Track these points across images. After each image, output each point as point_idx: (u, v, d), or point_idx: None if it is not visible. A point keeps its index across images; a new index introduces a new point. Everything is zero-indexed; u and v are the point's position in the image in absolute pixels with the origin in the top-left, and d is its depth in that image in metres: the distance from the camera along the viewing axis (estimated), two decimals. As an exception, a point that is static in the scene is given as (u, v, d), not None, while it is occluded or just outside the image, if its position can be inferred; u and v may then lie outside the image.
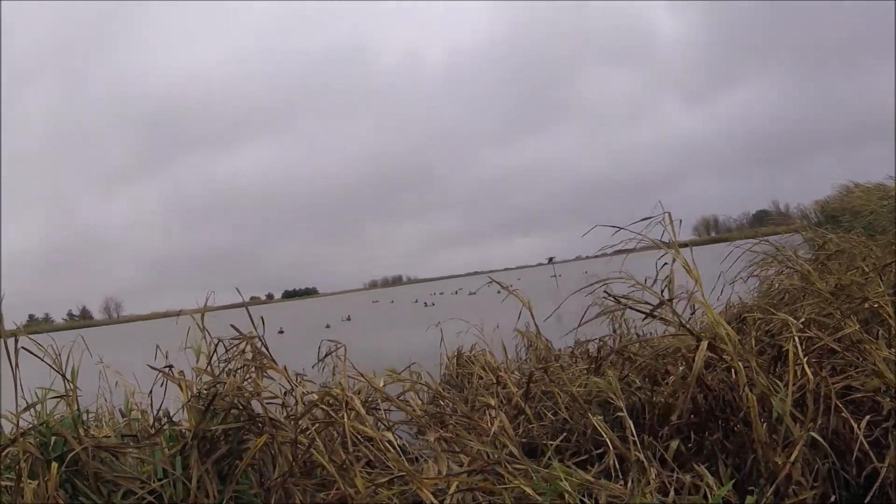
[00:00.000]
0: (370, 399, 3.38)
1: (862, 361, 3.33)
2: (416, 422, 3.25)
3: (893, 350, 3.34)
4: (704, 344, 3.16)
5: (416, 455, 3.26)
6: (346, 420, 2.92)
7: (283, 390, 3.34)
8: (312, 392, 3.33)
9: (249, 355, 3.30)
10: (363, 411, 2.99)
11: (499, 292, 5.62)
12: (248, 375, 3.23)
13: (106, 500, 2.81)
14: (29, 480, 2.71)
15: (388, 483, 2.61)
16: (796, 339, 3.11)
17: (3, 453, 2.92)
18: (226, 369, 3.32)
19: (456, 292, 42.27)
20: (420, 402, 3.95)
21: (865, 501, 2.79)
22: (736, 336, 3.24)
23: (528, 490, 2.52)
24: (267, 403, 3.14)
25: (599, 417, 3.41)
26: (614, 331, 6.12)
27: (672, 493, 2.75)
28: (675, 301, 3.48)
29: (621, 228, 3.51)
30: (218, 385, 3.09)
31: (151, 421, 3.43)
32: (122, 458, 3.03)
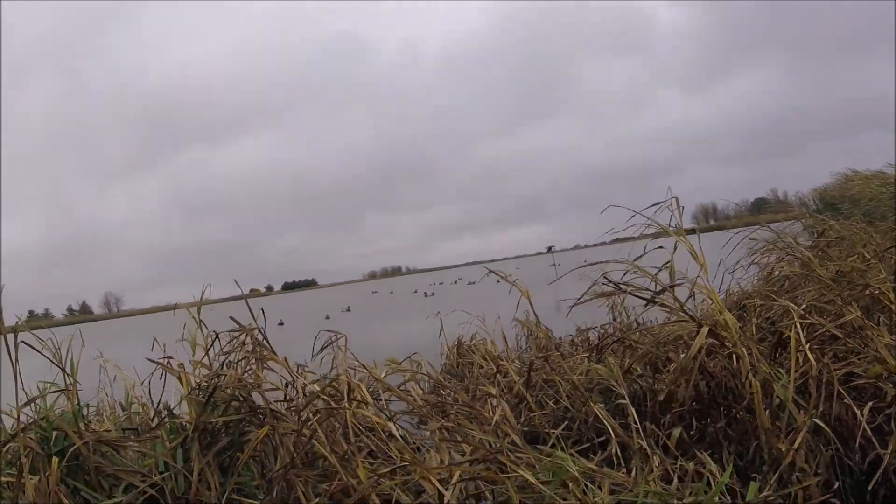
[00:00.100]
0: (371, 389, 3.37)
1: (864, 348, 3.32)
2: (418, 412, 3.24)
3: (895, 336, 3.33)
4: (705, 330, 3.15)
5: (417, 445, 3.25)
6: (347, 410, 2.91)
7: (284, 382, 3.33)
8: (313, 382, 3.32)
9: (249, 347, 3.29)
10: (369, 398, 2.97)
11: (498, 282, 5.61)
12: (248, 367, 3.22)
13: (107, 494, 2.80)
14: (30, 476, 2.70)
15: (390, 473, 2.59)
16: (798, 325, 3.09)
17: (4, 449, 2.91)
18: (226, 361, 3.31)
19: (455, 282, 42.29)
20: (421, 392, 3.94)
21: (869, 488, 2.79)
22: (737, 322, 3.23)
23: (531, 479, 2.51)
24: (268, 395, 3.12)
25: (601, 406, 3.40)
26: (614, 319, 6.13)
27: (675, 480, 2.74)
28: (676, 287, 3.46)
29: (636, 213, 3.48)
30: (218, 377, 3.08)
31: (152, 414, 3.42)
32: (122, 452, 3.02)
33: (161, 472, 2.84)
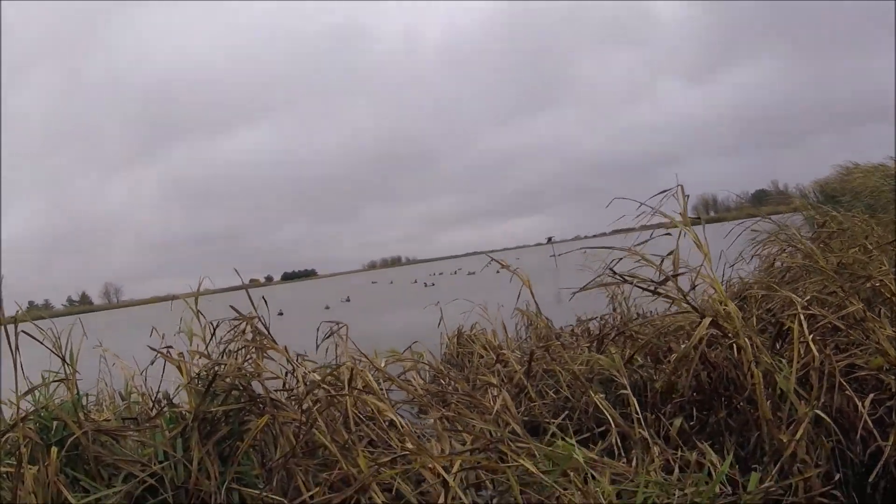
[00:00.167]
0: (366, 382, 3.35)
1: (865, 340, 3.31)
2: (419, 401, 3.24)
3: (897, 328, 3.32)
4: (707, 320, 3.13)
5: (417, 434, 3.25)
6: (348, 397, 2.90)
7: (284, 371, 3.32)
8: (314, 371, 3.31)
9: (249, 336, 3.28)
10: (374, 385, 2.97)
11: (498, 272, 5.59)
12: (248, 356, 3.21)
13: (107, 483, 2.79)
14: (29, 466, 2.69)
15: (390, 462, 2.59)
16: (801, 316, 3.08)
17: (3, 439, 2.90)
18: (226, 350, 3.30)
19: (455, 272, 42.32)
20: (422, 382, 3.94)
21: (869, 479, 2.78)
22: (739, 312, 3.21)
23: (532, 468, 2.50)
24: (269, 384, 3.12)
25: (601, 396, 3.40)
26: (614, 309, 6.13)
27: (676, 470, 2.74)
28: (678, 277, 3.44)
29: (642, 204, 3.46)
30: (218, 366, 3.06)
31: (151, 403, 3.41)
32: (122, 442, 3.02)
33: (161, 462, 2.83)
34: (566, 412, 3.67)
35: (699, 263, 3.48)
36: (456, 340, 6.73)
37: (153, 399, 3.38)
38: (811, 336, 3.09)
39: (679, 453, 2.90)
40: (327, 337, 3.70)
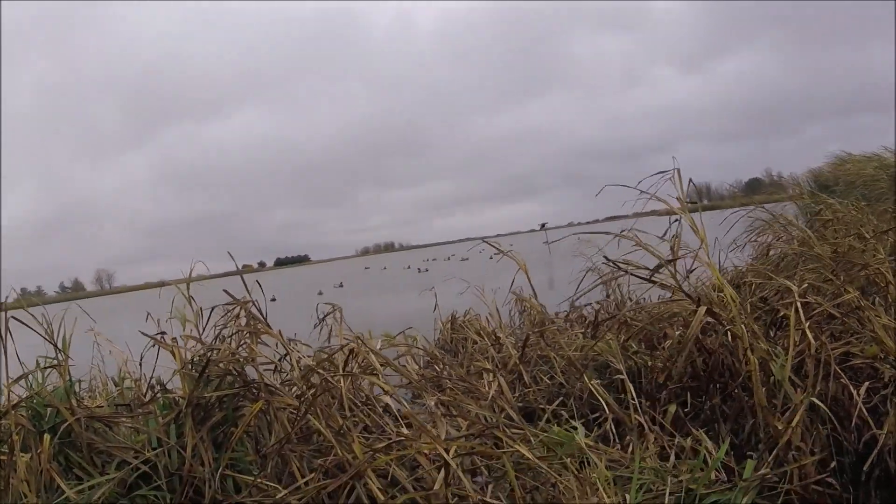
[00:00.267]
0: (365, 362, 3.33)
1: (861, 328, 3.31)
2: (414, 386, 3.22)
3: (893, 316, 3.33)
4: (702, 310, 3.13)
5: (410, 421, 3.23)
6: (343, 384, 2.88)
7: (279, 356, 3.29)
8: (309, 356, 3.29)
9: (243, 321, 3.25)
10: (378, 366, 2.95)
11: (492, 257, 5.58)
12: (242, 341, 3.18)
13: (100, 470, 2.77)
14: (21, 453, 2.66)
15: (385, 448, 2.58)
16: (798, 304, 3.07)
17: (-5, 425, 2.86)
18: (219, 335, 3.27)
19: (449, 258, 42.33)
20: (416, 367, 3.93)
21: (864, 468, 2.79)
22: (737, 297, 3.21)
23: (528, 454, 2.50)
24: (263, 369, 3.09)
25: (597, 382, 3.39)
26: (608, 295, 6.12)
27: (672, 457, 2.74)
28: (675, 263, 3.43)
29: (633, 188, 3.42)
30: (212, 351, 3.04)
31: (145, 389, 3.38)
32: (115, 428, 2.99)
33: (154, 448, 2.81)
34: (560, 398, 3.67)
35: (696, 249, 3.47)
36: (450, 326, 6.73)
37: (147, 385, 3.35)
38: (808, 324, 3.08)
39: (674, 440, 2.90)
40: (322, 320, 3.68)
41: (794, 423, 2.68)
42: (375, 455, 2.52)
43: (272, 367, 3.18)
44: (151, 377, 3.28)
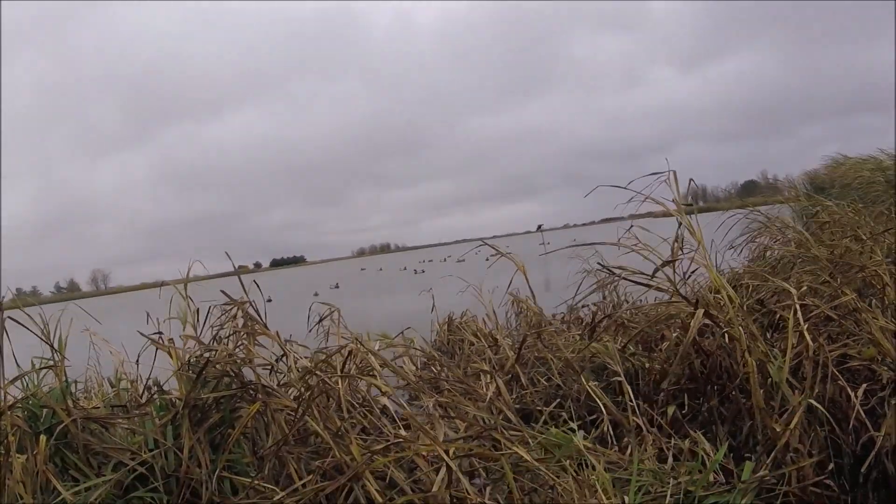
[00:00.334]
0: (363, 364, 3.33)
1: (858, 330, 3.32)
2: (412, 387, 3.21)
3: (890, 318, 3.33)
4: (700, 312, 3.12)
5: (408, 423, 3.23)
6: (341, 385, 2.87)
7: (276, 357, 3.28)
8: (306, 357, 3.27)
9: (240, 322, 3.23)
10: (378, 367, 2.94)
11: (487, 259, 5.57)
12: (239, 342, 3.16)
13: (96, 472, 2.75)
14: (17, 455, 2.65)
15: (383, 450, 2.57)
16: (797, 306, 3.08)
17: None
18: (216, 336, 3.25)
19: (445, 259, 42.26)
20: (414, 368, 3.92)
21: (862, 470, 2.80)
22: (737, 297, 3.20)
23: (527, 456, 2.49)
24: (260, 371, 3.08)
25: (594, 384, 3.39)
26: (604, 297, 6.12)
27: (670, 459, 2.74)
28: (673, 264, 3.43)
29: (625, 188, 3.40)
30: (209, 352, 3.02)
31: (141, 390, 3.37)
32: (111, 430, 2.97)
33: (151, 450, 2.80)
34: (557, 400, 3.67)
35: (693, 251, 3.47)
36: (446, 327, 6.73)
37: (143, 386, 3.34)
38: (806, 325, 3.08)
39: (672, 442, 2.90)
40: (320, 321, 3.67)
41: (792, 425, 2.67)
42: (373, 457, 2.51)
43: (269, 368, 3.17)
44: (148, 378, 3.26)
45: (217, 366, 2.95)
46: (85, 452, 2.79)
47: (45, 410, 2.93)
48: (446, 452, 2.44)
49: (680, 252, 3.45)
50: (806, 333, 3.02)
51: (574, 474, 2.49)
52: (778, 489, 2.60)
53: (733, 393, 3.21)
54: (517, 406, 3.58)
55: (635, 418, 3.03)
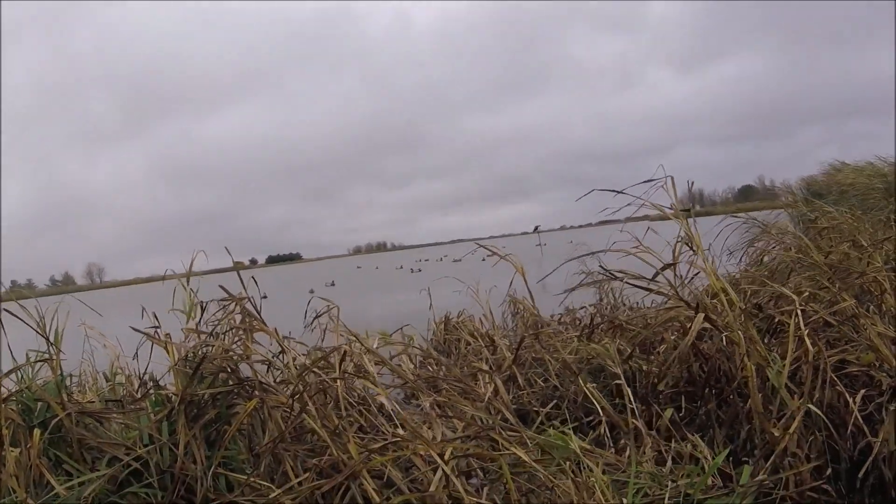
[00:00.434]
0: (361, 363, 3.31)
1: (857, 336, 3.31)
2: (411, 386, 3.19)
3: (889, 325, 3.33)
4: (700, 316, 3.11)
5: (403, 422, 3.21)
6: (339, 381, 2.85)
7: (272, 354, 3.26)
8: (303, 354, 3.25)
9: (238, 318, 3.21)
10: (371, 368, 2.92)
11: (484, 259, 5.56)
12: (237, 338, 3.14)
13: (90, 466, 2.73)
14: (11, 448, 2.62)
15: (381, 449, 2.55)
16: (799, 311, 3.07)
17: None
18: (213, 331, 3.22)
19: (441, 259, 42.24)
20: (412, 367, 3.90)
21: (859, 475, 2.79)
22: (738, 302, 3.19)
23: (525, 457, 2.48)
24: (257, 367, 3.05)
25: (593, 385, 3.38)
26: (601, 300, 6.12)
27: (669, 462, 2.73)
28: (674, 268, 3.42)
29: (622, 192, 3.38)
30: (206, 348, 3.00)
31: (137, 385, 3.34)
32: (106, 424, 2.95)
33: (146, 445, 2.77)
34: (554, 401, 3.65)
35: (692, 255, 3.46)
36: (443, 327, 6.71)
37: (139, 381, 3.31)
38: (806, 331, 3.08)
39: (672, 445, 2.89)
40: (317, 318, 3.65)
41: (791, 430, 2.67)
42: (371, 456, 2.49)
43: (267, 365, 3.14)
44: (144, 373, 3.23)
45: (214, 362, 2.93)
46: (79, 447, 2.76)
47: (39, 404, 2.90)
48: (444, 452, 2.43)
49: (679, 256, 3.44)
50: (806, 338, 3.01)
51: (571, 476, 2.48)
52: (775, 493, 2.60)
53: (731, 397, 3.20)
54: (514, 407, 3.57)
55: (634, 420, 3.02)
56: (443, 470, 2.33)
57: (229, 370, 2.94)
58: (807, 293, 3.58)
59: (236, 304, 3.19)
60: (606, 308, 5.76)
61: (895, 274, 3.73)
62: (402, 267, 36.01)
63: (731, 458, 2.84)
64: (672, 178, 3.44)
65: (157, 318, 3.45)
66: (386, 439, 2.61)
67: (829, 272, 3.87)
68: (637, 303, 5.83)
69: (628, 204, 3.48)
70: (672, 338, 3.60)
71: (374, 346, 3.52)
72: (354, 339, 3.32)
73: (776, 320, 3.53)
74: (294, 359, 3.11)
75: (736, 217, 5.39)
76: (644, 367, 3.55)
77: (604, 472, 2.58)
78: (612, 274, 3.48)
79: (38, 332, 3.11)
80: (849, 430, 2.90)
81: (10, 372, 2.99)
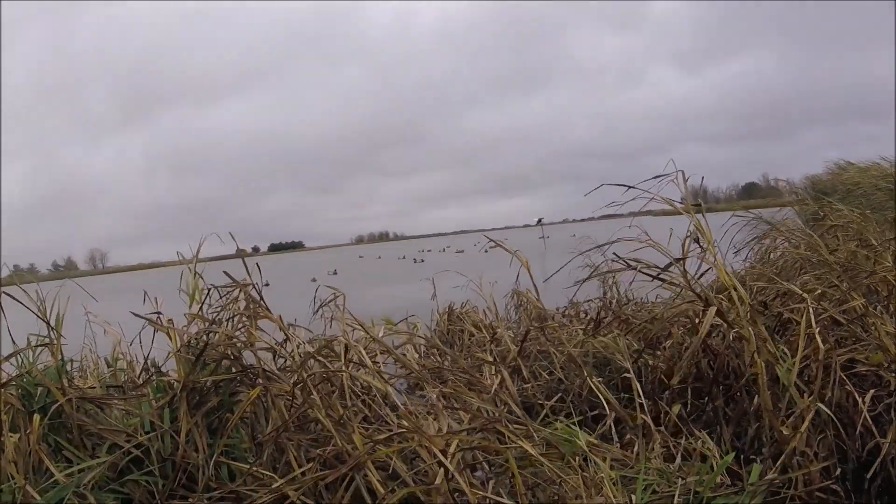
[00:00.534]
0: (366, 350, 3.27)
1: (866, 335, 3.28)
2: (416, 376, 3.15)
3: (898, 324, 3.29)
4: (713, 310, 3.07)
5: (413, 411, 3.17)
6: (344, 372, 2.81)
7: (277, 342, 3.22)
8: (308, 342, 3.21)
9: (242, 304, 3.17)
10: (367, 361, 2.88)
11: (486, 251, 5.53)
12: (240, 325, 3.10)
13: (90, 454, 2.70)
14: (10, 434, 2.58)
15: (386, 440, 2.51)
16: (811, 309, 3.03)
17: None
18: (216, 318, 3.19)
19: (444, 250, 42.23)
20: (417, 356, 3.87)
21: (867, 475, 2.76)
22: (747, 299, 3.15)
23: (532, 451, 2.44)
24: (261, 355, 3.02)
25: (599, 380, 3.35)
26: (605, 294, 6.08)
27: (679, 458, 2.70)
28: (684, 262, 3.37)
29: (633, 187, 3.34)
30: (209, 334, 2.96)
31: (138, 371, 3.31)
32: (107, 411, 2.91)
33: (147, 432, 2.74)
34: (559, 394, 3.63)
35: (702, 250, 3.42)
36: (447, 317, 6.68)
37: (141, 367, 3.27)
38: (818, 329, 3.04)
39: (681, 441, 2.86)
40: (323, 306, 3.61)
41: (803, 429, 2.64)
42: (376, 447, 2.46)
43: (273, 353, 3.11)
44: (146, 359, 3.20)
45: (217, 348, 2.90)
46: (79, 433, 2.73)
47: (39, 389, 2.86)
48: (448, 445, 2.40)
49: (690, 251, 3.39)
50: (817, 336, 2.97)
51: (579, 471, 2.45)
52: (784, 492, 2.57)
53: (738, 394, 3.17)
54: (519, 399, 3.54)
55: (643, 416, 2.98)
56: (447, 465, 2.29)
57: (232, 357, 2.91)
58: (819, 291, 3.54)
59: (240, 291, 3.15)
60: (611, 302, 5.72)
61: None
62: (404, 257, 36.00)
63: (740, 457, 2.81)
64: (683, 173, 3.39)
65: (156, 303, 3.41)
66: (391, 430, 2.58)
67: (838, 270, 3.83)
68: (642, 298, 5.79)
69: (635, 198, 3.45)
70: (679, 332, 3.56)
71: (380, 335, 3.48)
72: (360, 327, 3.27)
73: (783, 317, 3.49)
74: (298, 346, 3.07)
75: (740, 216, 5.35)
76: (650, 362, 3.51)
77: (611, 468, 2.55)
78: (627, 262, 3.43)
79: (38, 315, 3.07)
80: (857, 431, 2.87)
81: (10, 356, 2.96)
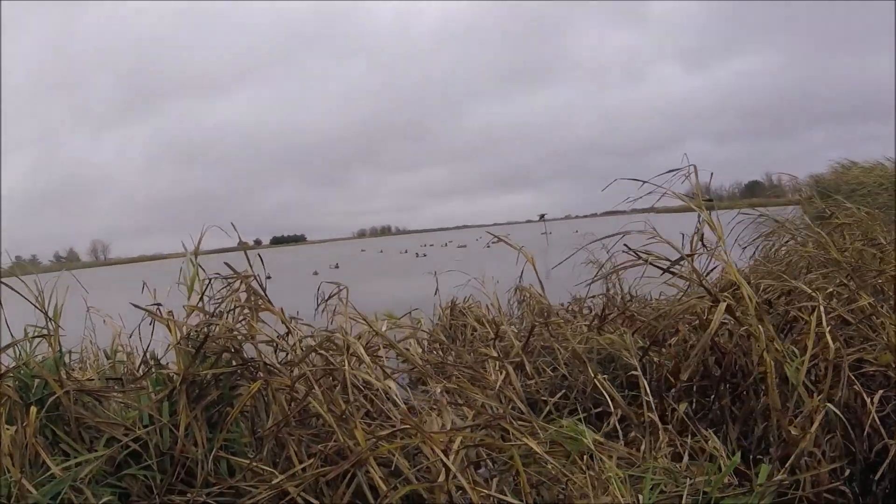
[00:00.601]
0: (369, 345, 3.22)
1: (874, 335, 3.24)
2: (419, 371, 3.11)
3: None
4: (722, 306, 3.02)
5: (412, 406, 3.13)
6: (346, 367, 2.76)
7: (278, 335, 3.18)
8: (310, 336, 3.17)
9: (243, 296, 3.12)
10: (366, 357, 2.83)
11: (488, 246, 5.50)
12: (241, 317, 3.05)
13: (88, 447, 2.66)
14: (6, 426, 2.54)
15: (388, 436, 2.47)
16: (821, 308, 2.99)
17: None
18: (217, 310, 3.14)
19: (446, 245, 42.23)
20: (420, 351, 3.82)
21: (875, 477, 2.73)
22: (755, 297, 3.11)
23: (537, 449, 2.40)
24: (262, 348, 2.97)
25: (603, 377, 3.31)
26: (608, 290, 6.03)
27: (686, 457, 2.66)
28: (692, 258, 3.33)
29: (646, 181, 3.31)
30: (209, 326, 2.91)
31: (138, 364, 3.27)
32: (105, 403, 2.87)
33: (145, 426, 2.70)
34: (563, 391, 3.59)
35: (712, 247, 3.38)
36: (449, 312, 6.63)
37: (140, 359, 3.23)
38: (828, 328, 3.00)
39: (688, 440, 2.82)
40: (327, 299, 3.57)
41: (813, 429, 2.60)
42: (378, 443, 2.42)
43: (274, 346, 3.06)
44: (145, 351, 3.15)
45: (217, 341, 2.85)
46: (77, 426, 2.69)
47: (36, 381, 2.82)
48: (451, 442, 2.36)
49: (699, 247, 3.36)
50: (827, 335, 2.93)
51: (585, 469, 2.41)
52: (792, 493, 2.53)
53: (746, 393, 3.13)
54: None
55: (650, 414, 2.94)
56: (449, 464, 2.25)
57: (233, 350, 2.86)
58: (830, 289, 3.50)
59: (241, 282, 3.10)
60: (615, 298, 5.68)
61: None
62: (406, 251, 36.01)
63: (747, 457, 2.77)
64: (695, 167, 3.36)
65: (155, 295, 3.37)
66: (394, 426, 2.54)
67: (847, 269, 3.78)
68: (645, 295, 5.75)
69: (649, 193, 3.42)
70: (685, 329, 3.52)
71: (384, 329, 3.44)
72: (363, 321, 3.23)
73: (790, 316, 3.45)
74: (300, 340, 3.03)
75: (746, 213, 5.30)
76: (656, 360, 3.47)
77: (617, 466, 2.51)
78: (638, 253, 3.39)
79: (36, 306, 3.03)
80: (865, 432, 2.83)
81: (7, 347, 2.91)
